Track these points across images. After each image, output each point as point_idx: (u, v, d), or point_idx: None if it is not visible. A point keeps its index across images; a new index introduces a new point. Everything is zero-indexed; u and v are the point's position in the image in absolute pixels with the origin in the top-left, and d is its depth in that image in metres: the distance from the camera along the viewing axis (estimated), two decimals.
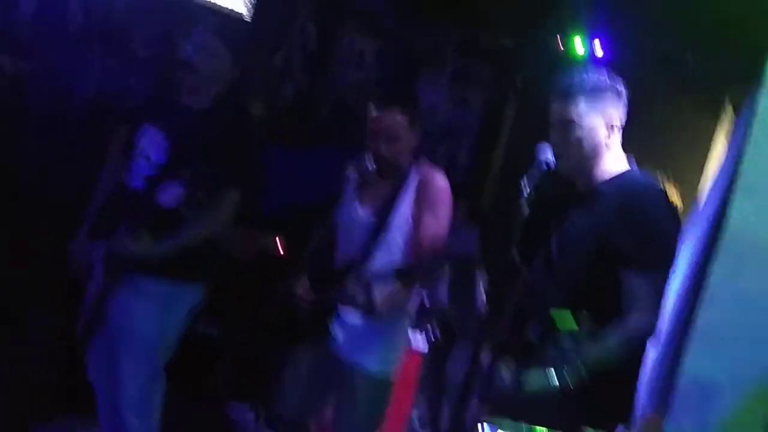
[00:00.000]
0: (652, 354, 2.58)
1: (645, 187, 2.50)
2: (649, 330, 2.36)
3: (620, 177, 2.54)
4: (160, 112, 3.17)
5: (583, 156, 2.52)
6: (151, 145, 3.11)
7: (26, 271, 4.00)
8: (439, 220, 3.03)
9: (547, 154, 2.56)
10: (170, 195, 2.81)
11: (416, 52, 6.04)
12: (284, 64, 5.48)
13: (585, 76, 2.50)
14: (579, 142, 2.49)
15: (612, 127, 2.52)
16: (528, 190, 2.49)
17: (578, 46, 5.65)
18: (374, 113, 3.03)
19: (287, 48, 5.46)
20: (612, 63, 5.48)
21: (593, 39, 5.60)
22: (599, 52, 5.60)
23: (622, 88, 2.54)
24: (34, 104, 4.14)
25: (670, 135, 5.14)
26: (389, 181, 3.11)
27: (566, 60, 5.63)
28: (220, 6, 4.57)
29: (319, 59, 5.65)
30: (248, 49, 3.73)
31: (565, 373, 2.15)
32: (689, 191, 5.42)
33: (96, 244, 3.12)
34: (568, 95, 2.46)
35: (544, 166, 2.55)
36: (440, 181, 3.09)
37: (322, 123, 5.80)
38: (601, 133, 2.50)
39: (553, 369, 2.16)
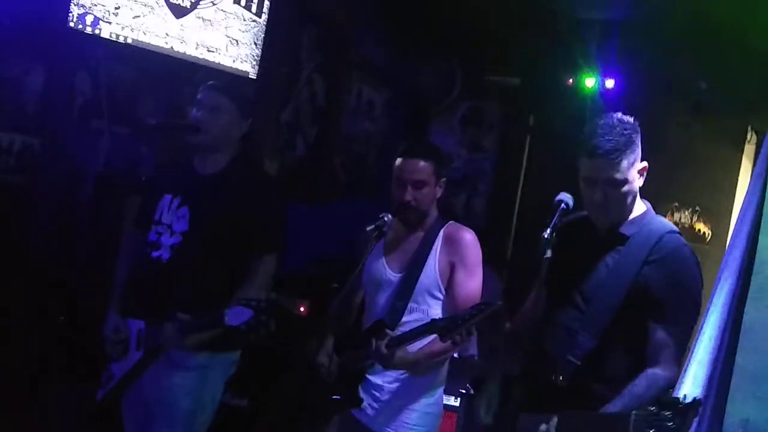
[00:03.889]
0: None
1: (675, 241, 2.55)
2: (673, 382, 2.43)
3: (643, 219, 2.60)
4: (176, 181, 3.19)
5: (625, 209, 2.58)
6: (172, 214, 3.11)
7: (45, 346, 3.98)
8: (473, 277, 3.03)
9: (565, 197, 2.62)
10: (238, 316, 2.79)
11: (424, 97, 6.09)
12: (293, 119, 5.51)
13: (619, 130, 2.50)
14: (623, 197, 2.54)
15: (641, 171, 2.58)
16: (549, 234, 2.51)
17: (588, 80, 5.68)
18: (400, 162, 3.07)
19: (295, 103, 5.49)
20: (623, 95, 5.50)
21: (603, 72, 5.62)
22: (609, 85, 5.61)
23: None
24: (43, 181, 4.15)
25: (693, 167, 5.11)
26: (415, 236, 3.11)
27: (576, 95, 5.67)
28: (226, 67, 4.62)
29: (328, 112, 5.69)
30: (256, 106, 3.76)
31: None
32: (717, 224, 5.38)
33: (130, 322, 3.12)
34: (608, 155, 2.46)
35: (563, 207, 2.60)
36: (468, 235, 3.09)
37: (336, 177, 5.82)
38: (638, 182, 2.57)
39: None
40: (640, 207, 2.61)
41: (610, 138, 2.47)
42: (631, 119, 2.56)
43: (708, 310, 3.47)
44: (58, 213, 4.16)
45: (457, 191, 6.07)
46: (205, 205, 3.08)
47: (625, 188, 2.51)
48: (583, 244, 2.65)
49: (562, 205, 2.60)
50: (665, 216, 3.14)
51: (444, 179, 3.13)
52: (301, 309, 4.79)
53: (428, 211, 3.11)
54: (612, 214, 2.56)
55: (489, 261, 5.21)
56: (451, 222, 3.14)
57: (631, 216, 2.58)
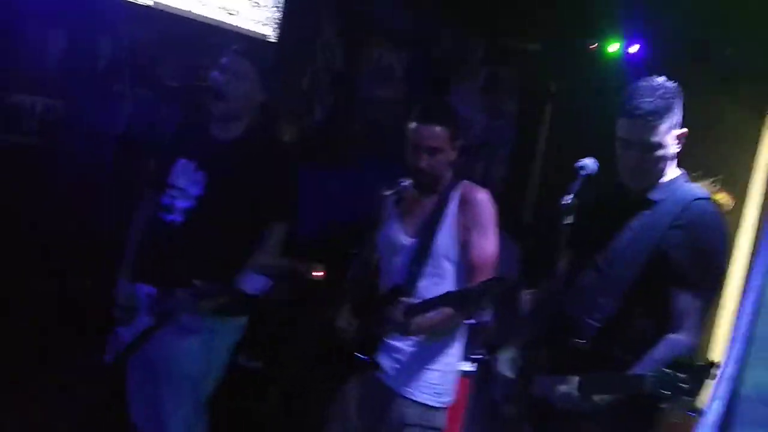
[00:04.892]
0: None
1: (703, 207, 2.52)
2: (693, 349, 2.42)
3: (673, 184, 2.58)
4: (192, 144, 3.19)
5: (659, 172, 2.57)
6: (187, 178, 3.12)
7: (57, 310, 4.05)
8: (488, 238, 3.00)
9: (587, 162, 2.60)
10: (253, 283, 2.81)
11: (445, 62, 6.05)
12: (312, 85, 5.51)
13: (660, 93, 2.48)
14: (656, 161, 2.53)
15: (679, 137, 2.56)
16: (570, 199, 2.51)
17: (611, 45, 5.60)
18: (414, 127, 3.02)
19: (314, 68, 5.49)
20: (647, 61, 5.43)
21: (626, 37, 5.53)
22: (633, 50, 5.53)
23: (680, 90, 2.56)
24: (65, 143, 4.20)
25: (713, 136, 5.07)
26: (430, 199, 3.08)
27: (599, 60, 5.60)
28: (246, 30, 4.62)
29: (347, 77, 5.67)
30: (275, 71, 3.76)
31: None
32: (737, 195, 5.33)
33: (142, 286, 3.14)
34: (647, 117, 2.45)
35: (585, 173, 2.59)
36: (483, 196, 3.05)
37: (355, 142, 5.81)
38: (674, 147, 2.56)
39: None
40: (673, 172, 2.59)
41: (651, 100, 2.45)
42: (674, 84, 2.53)
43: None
44: (80, 175, 4.20)
45: (476, 158, 6.04)
46: (221, 170, 3.08)
47: (660, 152, 2.50)
48: (610, 209, 2.65)
49: (584, 171, 2.59)
50: None
51: (460, 142, 3.08)
52: (319, 273, 4.81)
53: (443, 176, 3.07)
54: (644, 177, 2.55)
55: (508, 228, 5.26)
56: (465, 182, 3.10)
57: (662, 181, 2.57)
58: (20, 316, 3.89)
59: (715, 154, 4.81)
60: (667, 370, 2.13)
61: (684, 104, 2.55)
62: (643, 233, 2.52)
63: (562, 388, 2.42)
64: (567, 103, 5.83)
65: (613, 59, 5.57)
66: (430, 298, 2.82)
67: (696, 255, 2.45)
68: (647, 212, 2.54)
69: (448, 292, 2.80)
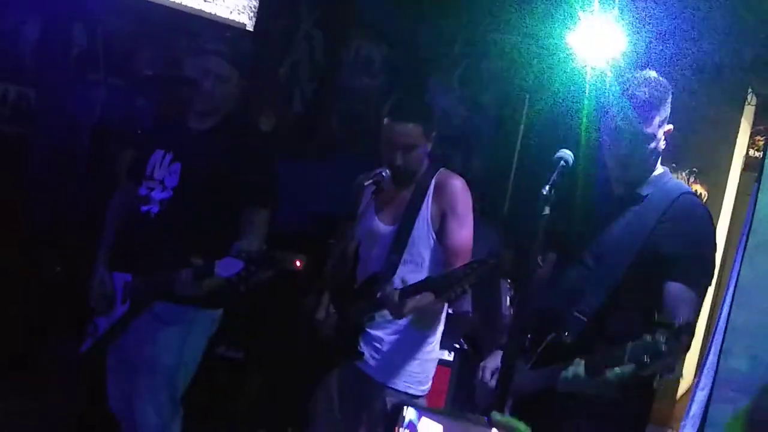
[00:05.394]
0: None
1: (691, 201, 2.56)
2: (688, 341, 2.38)
3: (660, 179, 2.60)
4: (169, 136, 3.20)
5: (648, 165, 2.58)
6: (164, 170, 3.12)
7: (35, 302, 4.02)
8: (464, 224, 3.03)
9: (564, 153, 2.57)
10: (228, 267, 2.79)
11: (424, 54, 6.05)
12: (291, 75, 5.49)
13: (655, 84, 2.49)
14: (648, 154, 2.54)
15: (667, 132, 2.57)
16: (547, 190, 2.46)
17: (589, 38, 5.60)
18: (387, 124, 3.04)
19: (293, 58, 5.46)
20: (626, 54, 5.44)
21: (604, 29, 5.53)
22: (612, 44, 5.53)
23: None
24: (39, 131, 4.15)
25: (690, 127, 5.11)
26: (407, 188, 3.10)
27: (577, 54, 5.59)
28: (222, 18, 4.58)
29: (326, 68, 5.66)
30: (253, 61, 3.74)
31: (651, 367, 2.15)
32: (714, 185, 5.39)
33: (118, 275, 3.14)
34: (641, 107, 2.46)
35: (563, 164, 2.55)
36: (457, 182, 3.08)
37: (333, 134, 5.79)
38: (662, 140, 2.57)
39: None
40: (659, 168, 2.61)
41: (646, 90, 2.47)
42: (665, 80, 2.54)
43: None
44: (54, 164, 4.17)
45: (454, 148, 6.05)
46: (196, 160, 3.09)
47: (652, 145, 2.51)
48: (595, 202, 2.66)
49: (562, 162, 2.55)
50: None
51: (435, 133, 3.10)
52: (297, 263, 4.79)
53: (419, 169, 3.09)
54: (635, 170, 2.56)
55: (488, 217, 5.28)
56: (441, 169, 3.12)
57: (652, 175, 2.59)
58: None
59: (693, 145, 4.86)
60: (647, 337, 2.13)
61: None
62: (633, 228, 2.53)
63: (570, 371, 2.40)
64: (545, 95, 5.83)
65: (591, 52, 5.52)
66: (414, 283, 2.82)
67: (687, 247, 2.47)
68: (635, 207, 2.55)
69: (429, 277, 2.83)
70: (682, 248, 2.46)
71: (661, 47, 5.27)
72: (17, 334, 3.92)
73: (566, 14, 5.49)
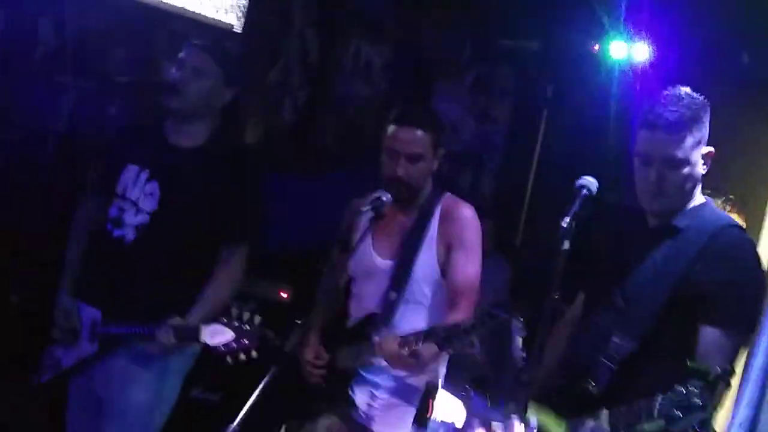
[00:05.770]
0: None
1: (736, 235, 2.52)
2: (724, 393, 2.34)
3: (700, 210, 2.55)
4: (145, 149, 3.14)
5: (684, 194, 2.53)
6: (139, 189, 3.08)
7: None
8: (472, 259, 3.00)
9: (587, 181, 2.55)
10: (216, 335, 2.79)
11: (429, 59, 6.05)
12: (282, 79, 5.50)
13: (686, 103, 2.47)
14: (682, 181, 2.49)
15: (706, 156, 2.53)
16: (568, 222, 2.43)
17: (616, 47, 5.63)
18: (393, 130, 3.01)
19: (284, 60, 5.47)
20: (655, 66, 5.46)
21: (633, 39, 5.54)
22: (640, 55, 5.55)
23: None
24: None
25: (727, 150, 5.10)
26: (408, 215, 3.07)
27: (602, 63, 5.63)
28: (208, 18, 4.60)
29: (320, 72, 5.67)
30: (241, 64, 3.75)
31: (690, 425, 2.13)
32: (752, 214, 5.36)
33: (85, 307, 3.09)
34: (671, 128, 2.43)
35: (586, 193, 2.53)
36: (466, 210, 3.06)
37: (326, 146, 5.80)
38: (701, 165, 2.52)
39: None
40: (699, 198, 2.56)
41: (675, 110, 2.43)
42: (701, 96, 2.51)
43: None
44: (12, 175, 4.15)
45: (462, 167, 6.06)
46: (178, 183, 3.06)
47: (686, 170, 2.46)
48: (625, 237, 2.63)
49: (584, 190, 2.51)
50: None
51: (443, 150, 3.09)
52: (283, 295, 4.80)
53: (423, 187, 3.06)
54: (667, 199, 2.51)
55: (497, 247, 5.28)
56: (447, 195, 3.10)
57: (688, 206, 2.53)
58: None
59: (729, 170, 4.83)
60: (680, 389, 2.10)
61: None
62: (667, 265, 2.49)
63: (590, 424, 2.39)
64: (565, 110, 5.84)
65: (617, 62, 5.55)
66: (416, 332, 2.80)
67: (729, 288, 2.41)
68: (670, 241, 2.51)
69: (433, 327, 2.80)
70: (722, 288, 2.40)
71: (695, 59, 5.28)
72: None
73: (593, 21, 5.52)
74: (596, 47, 5.67)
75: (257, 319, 2.82)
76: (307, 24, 5.55)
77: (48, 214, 3.84)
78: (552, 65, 5.96)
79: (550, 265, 2.47)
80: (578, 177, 2.58)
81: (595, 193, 2.54)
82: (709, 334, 2.39)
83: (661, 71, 5.26)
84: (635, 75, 5.38)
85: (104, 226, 3.11)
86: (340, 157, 5.81)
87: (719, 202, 5.42)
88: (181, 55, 3.11)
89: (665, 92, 2.50)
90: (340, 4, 5.69)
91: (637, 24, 5.44)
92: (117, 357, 3.05)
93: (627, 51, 5.53)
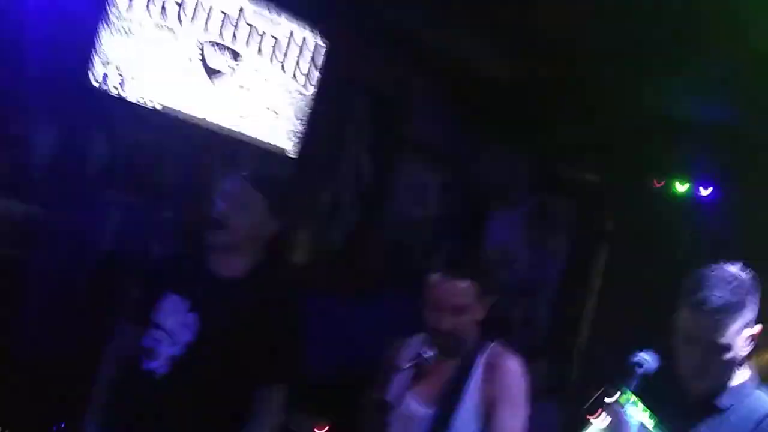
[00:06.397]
0: None
1: None
2: None
3: (742, 390, 2.49)
4: (185, 278, 3.09)
5: (726, 377, 2.47)
6: (176, 319, 3.01)
7: None
8: (516, 414, 2.94)
9: (643, 359, 2.50)
10: None
11: (486, 185, 6.02)
12: (334, 202, 5.48)
13: (733, 287, 2.41)
14: (723, 365, 2.44)
15: (753, 336, 2.47)
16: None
17: (679, 184, 5.63)
18: (436, 281, 2.97)
19: (337, 184, 5.48)
20: (719, 206, 5.41)
21: (697, 177, 5.56)
22: (705, 192, 5.54)
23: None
24: (43, 256, 4.11)
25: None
26: (451, 363, 3.00)
27: (665, 200, 5.60)
28: (263, 142, 4.59)
29: (373, 196, 5.66)
30: (290, 194, 3.74)
31: None
32: None
33: None
34: (715, 314, 2.38)
35: (642, 371, 2.48)
36: (513, 365, 3.00)
37: (376, 268, 5.74)
38: (744, 349, 2.46)
39: None
40: (742, 374, 2.50)
41: (720, 295, 2.38)
42: (749, 275, 2.47)
43: None
44: (52, 298, 4.10)
45: (516, 298, 5.94)
46: (216, 314, 2.99)
47: (728, 356, 2.41)
48: (668, 412, 2.51)
49: (640, 368, 2.47)
50: None
51: (490, 298, 3.03)
52: (324, 429, 4.68)
53: (467, 338, 3.01)
54: (709, 381, 2.45)
55: (547, 388, 5.11)
56: (493, 344, 3.05)
57: (731, 384, 2.47)
58: None
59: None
60: None
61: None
62: None
63: None
64: (625, 245, 5.76)
65: (681, 200, 5.55)
66: None
67: None
68: (712, 421, 2.44)
69: None
70: None
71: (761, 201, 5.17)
72: None
73: (655, 156, 5.51)
74: (658, 182, 5.66)
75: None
76: (362, 150, 5.57)
77: (82, 339, 3.76)
78: (612, 198, 5.93)
79: None
80: (635, 348, 2.51)
81: (653, 370, 2.49)
82: None
83: (726, 212, 5.25)
84: (699, 214, 5.37)
85: (136, 356, 3.04)
86: (389, 281, 5.75)
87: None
88: (228, 187, 3.08)
89: (711, 271, 2.44)
90: (395, 131, 5.70)
91: (703, 163, 5.44)
92: None
93: (691, 188, 5.55)
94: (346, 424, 3.56)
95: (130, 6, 3.99)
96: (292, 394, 3.07)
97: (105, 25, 3.95)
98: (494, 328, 3.11)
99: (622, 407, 2.41)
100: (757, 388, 2.53)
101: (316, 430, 4.62)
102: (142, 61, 4.10)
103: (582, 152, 5.84)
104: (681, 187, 5.57)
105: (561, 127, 5.67)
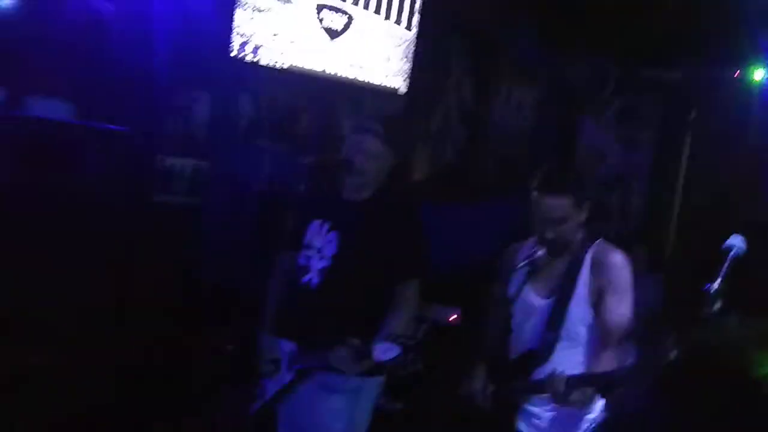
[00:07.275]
0: None
1: None
2: None
3: None
4: (325, 205, 3.57)
5: None
6: (322, 239, 3.49)
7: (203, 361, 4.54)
8: (623, 302, 3.10)
9: (736, 242, 2.52)
10: (386, 352, 3.06)
11: (576, 94, 6.28)
12: (442, 126, 5.85)
13: None
14: None
15: None
16: (717, 288, 2.44)
17: (757, 72, 5.68)
18: (536, 197, 3.14)
19: (444, 110, 5.83)
20: None
21: None
22: None
23: None
24: (212, 201, 4.77)
25: None
26: (561, 260, 3.20)
27: (743, 88, 5.70)
28: (376, 84, 5.08)
29: (476, 115, 6.00)
30: (407, 119, 4.13)
31: None
32: None
33: (284, 342, 3.47)
34: None
35: (734, 254, 2.51)
36: (617, 257, 3.15)
37: (486, 179, 6.09)
38: None
39: None
40: None
41: None
42: None
43: None
44: (226, 234, 4.73)
45: (611, 191, 6.22)
46: (352, 230, 3.39)
47: None
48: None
49: (732, 252, 2.48)
50: None
51: (588, 203, 3.18)
52: (454, 317, 5.13)
53: (573, 240, 3.17)
54: None
55: (647, 266, 5.37)
56: (597, 242, 3.20)
57: None
58: (170, 369, 4.44)
59: None
60: None
61: None
62: None
63: None
64: (708, 134, 5.90)
65: (759, 87, 5.63)
66: (581, 376, 3.02)
67: None
68: None
69: (596, 374, 3.02)
70: None
71: None
72: (192, 395, 4.44)
73: (734, 48, 5.55)
74: (737, 73, 5.74)
75: (422, 330, 3.10)
76: (463, 75, 5.90)
77: (252, 269, 4.11)
78: (694, 92, 6.00)
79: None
80: (727, 233, 2.58)
81: (743, 252, 2.53)
82: None
83: None
84: None
85: (295, 274, 3.50)
86: (499, 186, 6.04)
87: None
88: (360, 141, 3.49)
89: None
90: (492, 55, 5.99)
91: None
92: (314, 389, 3.37)
93: (765, 75, 5.59)
94: (472, 314, 3.97)
95: None
96: (423, 288, 3.42)
97: (239, 5, 4.58)
98: (596, 222, 3.25)
99: None
100: None
101: (450, 318, 5.03)
102: (270, 30, 4.69)
103: (662, 53, 5.88)
104: (758, 75, 5.60)
105: (641, 30, 5.75)
